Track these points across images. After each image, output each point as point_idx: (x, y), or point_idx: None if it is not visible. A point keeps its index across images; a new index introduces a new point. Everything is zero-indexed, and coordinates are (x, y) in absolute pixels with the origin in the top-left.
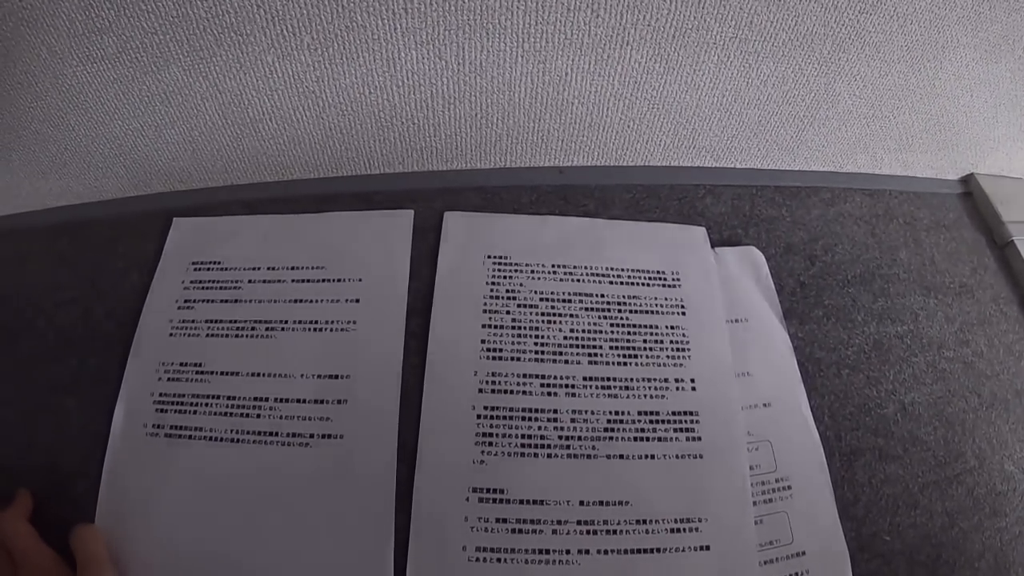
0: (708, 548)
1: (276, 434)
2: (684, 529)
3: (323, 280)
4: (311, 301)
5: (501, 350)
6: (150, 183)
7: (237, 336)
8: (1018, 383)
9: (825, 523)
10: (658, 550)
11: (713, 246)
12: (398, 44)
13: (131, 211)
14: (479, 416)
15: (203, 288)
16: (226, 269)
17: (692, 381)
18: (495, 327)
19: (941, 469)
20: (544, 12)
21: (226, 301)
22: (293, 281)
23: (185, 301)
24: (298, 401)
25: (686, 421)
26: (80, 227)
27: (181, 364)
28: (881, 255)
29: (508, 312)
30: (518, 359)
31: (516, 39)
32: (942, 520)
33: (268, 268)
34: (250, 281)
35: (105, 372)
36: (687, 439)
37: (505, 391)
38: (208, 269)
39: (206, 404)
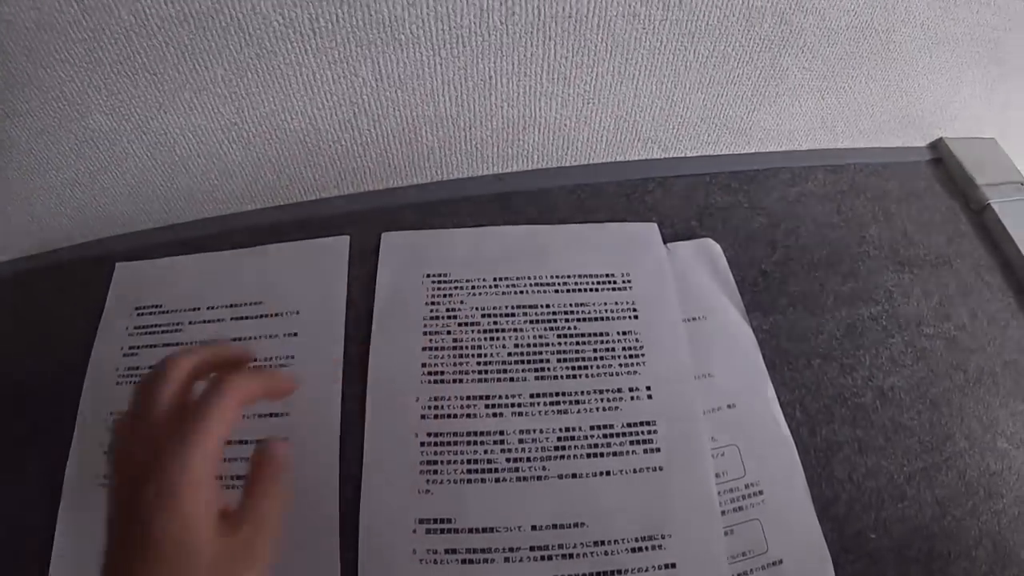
0: (674, 566)
1: (220, 477)
2: (646, 547)
3: (261, 316)
4: (250, 338)
5: (443, 373)
6: (93, 229)
7: None
8: (1006, 354)
9: (803, 527)
10: (619, 572)
11: (666, 241)
12: (311, 66)
13: (76, 258)
14: (423, 443)
15: (146, 333)
16: (167, 312)
17: (648, 388)
18: (436, 349)
19: (928, 455)
20: (456, 16)
21: (168, 344)
22: (232, 319)
23: (130, 348)
24: (240, 442)
25: (643, 432)
26: (28, 279)
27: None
28: (849, 233)
29: (449, 332)
30: (461, 381)
31: (432, 48)
32: (933, 510)
33: (208, 308)
34: (191, 322)
35: (59, 423)
36: (644, 451)
37: (448, 415)
38: (151, 313)
39: None
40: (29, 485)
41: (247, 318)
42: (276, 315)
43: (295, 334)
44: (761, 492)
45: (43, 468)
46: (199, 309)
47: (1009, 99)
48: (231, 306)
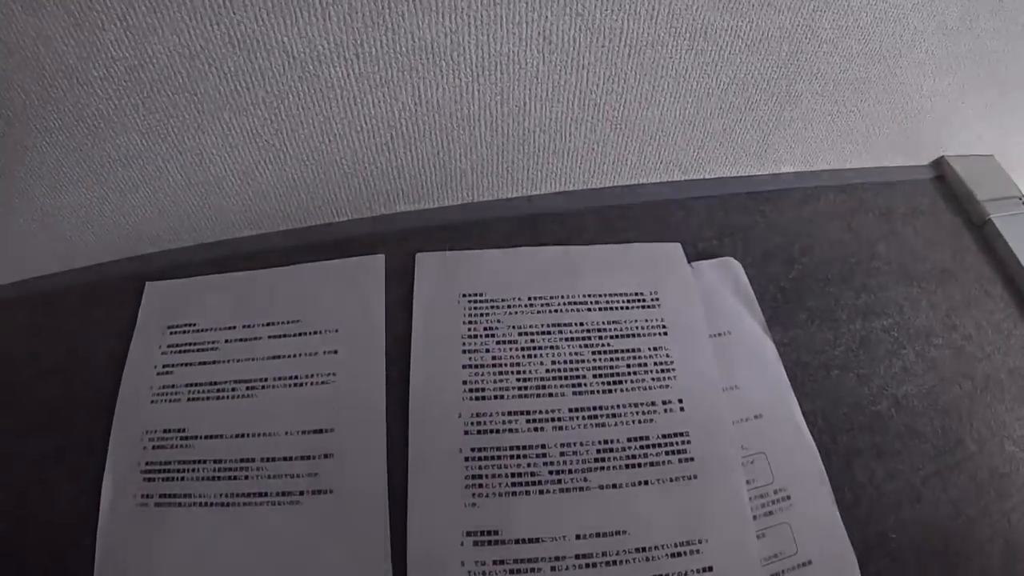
0: (711, 569)
1: (265, 494)
2: (685, 552)
3: (299, 334)
4: (289, 356)
5: (483, 390)
6: (120, 247)
7: (218, 398)
8: (1010, 361)
9: (828, 529)
10: None
11: (689, 260)
12: (353, 90)
13: (104, 277)
14: (467, 458)
15: (181, 352)
16: (202, 330)
17: (680, 401)
18: (476, 366)
19: (941, 459)
20: (496, 45)
21: (204, 363)
22: (270, 337)
23: (164, 366)
24: (285, 459)
25: (677, 442)
26: (55, 296)
27: (165, 431)
28: (859, 250)
29: (488, 350)
30: (501, 397)
31: (471, 74)
32: (947, 510)
33: (244, 326)
34: (227, 341)
35: (91, 442)
36: (679, 460)
37: (491, 431)
38: (184, 332)
39: (193, 470)
40: (65, 505)
41: (285, 336)
42: (315, 333)
43: (335, 352)
44: (789, 497)
45: (78, 488)
46: (235, 327)
47: (1006, 117)
48: (268, 324)
